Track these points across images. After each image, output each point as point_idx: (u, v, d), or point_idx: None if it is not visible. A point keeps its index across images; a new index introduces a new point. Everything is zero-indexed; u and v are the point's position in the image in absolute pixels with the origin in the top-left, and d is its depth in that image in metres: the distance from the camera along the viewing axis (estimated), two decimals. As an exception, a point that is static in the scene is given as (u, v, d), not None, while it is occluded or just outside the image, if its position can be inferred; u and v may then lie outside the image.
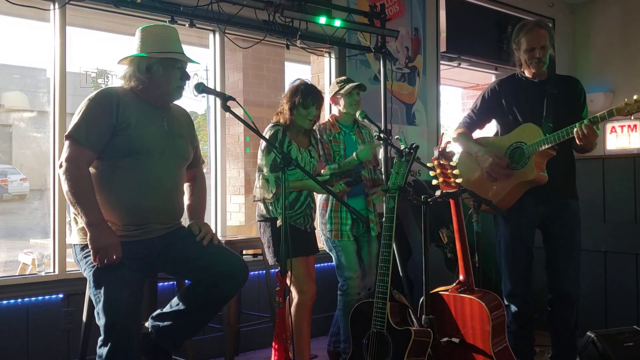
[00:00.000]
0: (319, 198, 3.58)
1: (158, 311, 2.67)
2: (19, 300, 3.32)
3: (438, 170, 2.90)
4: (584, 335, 3.43)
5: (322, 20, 4.09)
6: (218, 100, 3.39)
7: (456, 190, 2.88)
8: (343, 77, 3.71)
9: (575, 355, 3.19)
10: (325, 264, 4.43)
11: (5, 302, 3.28)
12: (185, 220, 2.75)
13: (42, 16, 3.56)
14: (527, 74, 3.17)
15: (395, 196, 2.81)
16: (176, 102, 2.70)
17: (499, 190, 3.09)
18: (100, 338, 2.33)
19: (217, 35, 4.25)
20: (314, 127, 3.50)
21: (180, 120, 2.69)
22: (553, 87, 3.10)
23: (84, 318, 2.98)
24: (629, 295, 4.01)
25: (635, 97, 2.73)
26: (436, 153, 2.89)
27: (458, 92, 9.20)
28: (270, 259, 3.31)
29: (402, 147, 2.88)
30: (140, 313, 2.41)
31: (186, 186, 2.79)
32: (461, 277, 2.90)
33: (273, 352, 2.61)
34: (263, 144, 3.26)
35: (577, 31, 7.23)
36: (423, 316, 2.81)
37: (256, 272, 4.12)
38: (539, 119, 3.05)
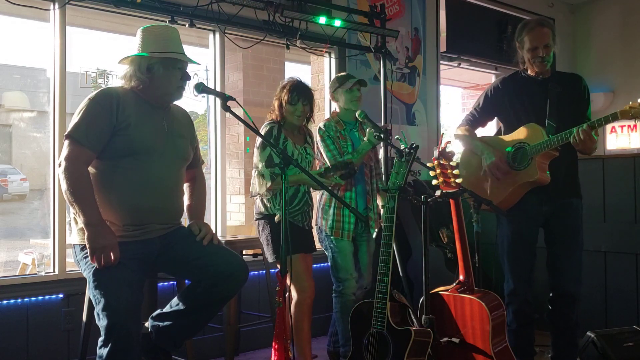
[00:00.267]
0: (321, 194, 3.54)
1: (158, 311, 2.67)
2: (19, 300, 3.32)
3: (438, 170, 2.90)
4: (583, 335, 3.43)
5: (322, 20, 4.09)
6: (218, 100, 3.39)
7: (456, 190, 2.88)
8: (343, 73, 3.64)
9: (576, 355, 3.19)
10: (326, 263, 4.42)
11: (5, 302, 3.28)
12: (185, 220, 2.75)
13: (42, 16, 3.56)
14: (530, 72, 3.16)
15: (395, 196, 2.81)
16: (176, 102, 2.70)
17: (501, 190, 3.08)
18: (101, 338, 2.33)
19: (217, 35, 4.25)
20: (320, 125, 3.49)
21: (180, 120, 2.69)
22: (556, 85, 3.08)
23: (84, 318, 2.98)
24: (629, 295, 4.01)
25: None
26: (436, 153, 2.89)
27: (458, 92, 9.21)
28: (269, 256, 3.31)
29: (402, 147, 2.88)
30: (140, 313, 2.41)
31: (186, 186, 2.79)
32: (461, 277, 2.90)
33: (273, 352, 2.61)
34: (258, 140, 3.27)
35: (577, 31, 7.23)
36: (423, 316, 2.81)
37: (256, 272, 4.12)
38: (542, 117, 3.04)
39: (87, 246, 2.34)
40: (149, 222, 2.50)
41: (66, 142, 2.41)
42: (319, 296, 3.36)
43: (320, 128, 3.49)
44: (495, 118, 3.36)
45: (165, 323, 2.61)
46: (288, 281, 2.65)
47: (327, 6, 4.36)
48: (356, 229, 3.48)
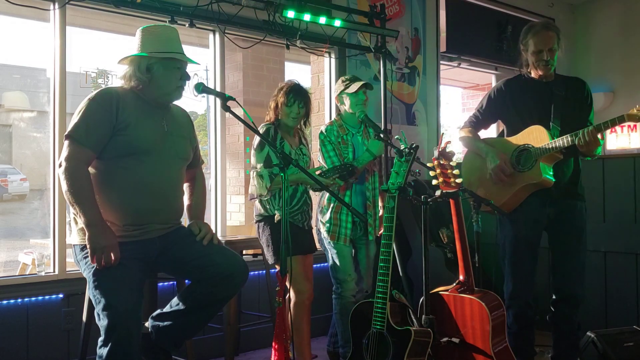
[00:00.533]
0: (320, 196, 3.54)
1: (158, 311, 2.67)
2: (19, 300, 3.32)
3: (438, 170, 2.90)
4: (583, 336, 3.43)
5: (322, 20, 4.09)
6: (218, 100, 3.40)
7: (456, 190, 2.88)
8: (349, 76, 3.59)
9: (577, 356, 3.18)
10: (326, 264, 4.41)
11: (5, 302, 3.28)
12: (185, 220, 2.75)
13: (42, 16, 3.56)
14: (533, 75, 3.15)
15: (395, 196, 2.81)
16: (176, 102, 2.70)
17: (505, 192, 3.07)
18: (101, 338, 2.33)
19: (217, 35, 4.25)
20: (322, 129, 3.48)
21: (180, 120, 2.69)
22: (560, 88, 3.08)
23: (84, 318, 2.98)
24: (629, 295, 4.01)
25: None
26: (436, 153, 2.89)
27: (458, 92, 9.19)
28: (270, 257, 3.31)
29: (402, 147, 2.87)
30: (140, 313, 2.41)
31: (186, 186, 2.79)
32: (461, 277, 2.90)
33: (273, 352, 2.61)
34: (255, 142, 3.27)
35: (577, 31, 7.23)
36: (423, 316, 2.81)
37: (256, 272, 4.12)
38: (546, 120, 3.03)
39: (88, 246, 2.34)
40: (149, 222, 2.50)
41: (66, 143, 2.41)
42: (319, 297, 3.36)
43: (321, 132, 3.48)
44: (498, 120, 3.35)
45: (166, 323, 2.61)
46: (287, 283, 2.65)
47: (327, 6, 4.36)
48: (354, 232, 3.47)
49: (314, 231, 3.52)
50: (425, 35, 5.53)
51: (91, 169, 2.44)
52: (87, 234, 2.34)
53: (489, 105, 3.25)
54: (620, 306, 4.05)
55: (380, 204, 3.57)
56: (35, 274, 3.58)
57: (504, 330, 2.84)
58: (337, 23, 4.18)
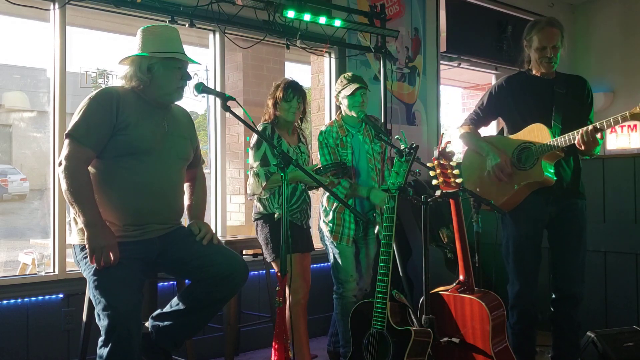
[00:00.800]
0: (322, 195, 3.54)
1: (158, 311, 2.67)
2: (19, 300, 3.32)
3: (438, 170, 2.90)
4: (583, 336, 3.42)
5: (322, 20, 4.09)
6: (218, 100, 3.40)
7: (456, 190, 2.88)
8: (349, 74, 3.52)
9: (577, 356, 3.18)
10: (326, 263, 4.42)
11: (5, 302, 3.28)
12: (185, 220, 2.75)
13: (42, 16, 3.56)
14: (535, 72, 3.14)
15: (395, 196, 2.81)
16: (176, 102, 2.69)
17: (506, 190, 3.06)
18: (101, 338, 2.33)
19: (217, 35, 4.25)
20: (321, 130, 3.48)
21: (180, 120, 2.69)
22: (561, 86, 3.07)
23: (84, 318, 2.98)
24: (629, 295, 4.01)
25: None
26: (436, 153, 2.89)
27: (458, 92, 9.20)
28: (268, 255, 3.30)
29: (402, 147, 2.87)
30: (140, 313, 2.41)
31: (186, 186, 2.79)
32: (461, 277, 2.90)
33: (273, 352, 2.61)
34: (252, 141, 3.28)
35: (577, 31, 7.23)
36: (423, 316, 2.81)
37: (256, 272, 4.12)
38: (548, 118, 3.02)
39: (87, 246, 2.34)
40: (149, 222, 2.50)
41: (66, 142, 2.41)
42: (319, 296, 3.36)
43: (320, 132, 3.48)
44: (499, 117, 3.34)
45: (166, 323, 2.61)
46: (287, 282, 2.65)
47: (327, 6, 4.36)
48: (357, 232, 3.47)
49: (312, 229, 3.53)
50: (425, 35, 5.53)
51: (91, 169, 2.44)
52: (86, 233, 2.34)
53: (489, 101, 3.23)
54: (620, 306, 4.05)
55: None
56: (35, 274, 3.58)
57: (504, 330, 2.84)
58: (337, 23, 4.18)
